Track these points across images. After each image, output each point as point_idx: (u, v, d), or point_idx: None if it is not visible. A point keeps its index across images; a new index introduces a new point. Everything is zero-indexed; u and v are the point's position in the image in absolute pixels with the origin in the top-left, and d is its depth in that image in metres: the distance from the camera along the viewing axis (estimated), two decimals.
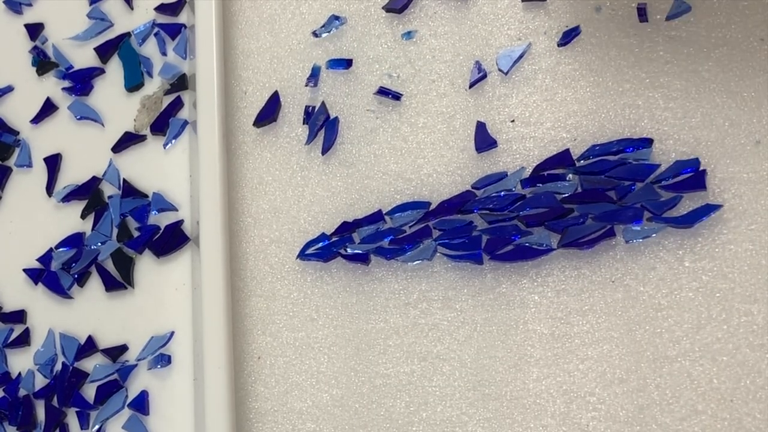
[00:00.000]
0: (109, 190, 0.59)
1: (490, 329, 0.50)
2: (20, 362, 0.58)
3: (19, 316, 0.58)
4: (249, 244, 0.55)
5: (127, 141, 0.59)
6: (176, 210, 0.57)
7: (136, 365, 0.55)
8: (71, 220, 0.59)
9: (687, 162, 0.47)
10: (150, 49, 0.61)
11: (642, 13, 0.50)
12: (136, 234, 0.57)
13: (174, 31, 0.60)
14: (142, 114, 0.59)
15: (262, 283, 0.54)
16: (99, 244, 0.58)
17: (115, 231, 0.58)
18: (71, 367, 0.56)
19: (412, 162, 0.53)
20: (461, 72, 0.53)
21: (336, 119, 0.55)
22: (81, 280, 0.58)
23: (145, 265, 0.57)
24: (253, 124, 0.56)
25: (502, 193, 0.50)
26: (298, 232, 0.54)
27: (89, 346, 0.56)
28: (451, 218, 0.51)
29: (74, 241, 0.58)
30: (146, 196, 0.58)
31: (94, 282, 0.58)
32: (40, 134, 0.62)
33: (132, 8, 0.62)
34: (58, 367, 0.57)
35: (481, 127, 0.52)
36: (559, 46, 0.51)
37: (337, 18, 0.56)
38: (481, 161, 0.52)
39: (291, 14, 0.57)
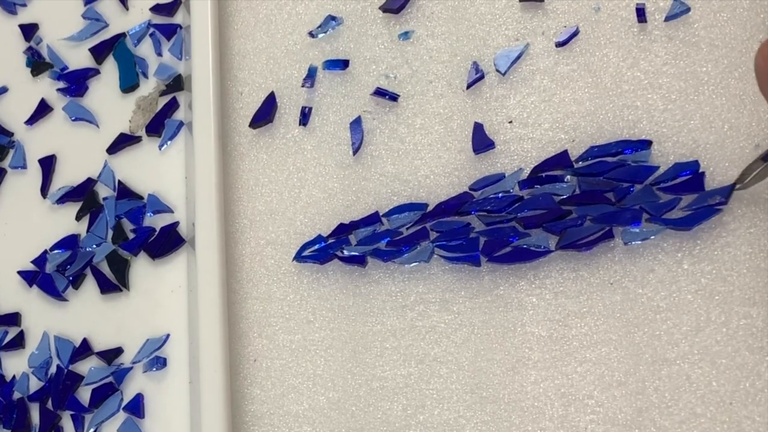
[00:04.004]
0: (104, 191, 0.58)
1: (488, 332, 0.49)
2: (15, 365, 0.58)
3: (13, 318, 0.58)
4: (245, 246, 0.55)
5: (122, 142, 0.59)
6: (172, 212, 0.57)
7: (131, 368, 0.55)
8: (66, 221, 0.59)
9: (686, 164, 0.47)
10: (145, 49, 0.60)
11: (641, 14, 0.50)
12: (131, 236, 0.57)
13: (169, 31, 0.60)
14: (137, 115, 0.59)
15: (258, 285, 0.54)
16: (94, 246, 0.57)
17: (110, 233, 0.57)
18: (66, 370, 0.56)
19: (410, 163, 0.53)
20: (459, 72, 0.53)
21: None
22: (76, 282, 0.57)
23: (141, 267, 0.56)
24: (249, 125, 0.56)
25: (500, 194, 0.50)
26: (295, 234, 0.54)
27: (84, 349, 0.56)
28: (449, 220, 0.51)
29: (69, 243, 0.58)
30: (141, 197, 0.57)
31: (89, 284, 0.57)
32: (35, 135, 0.61)
33: (127, 9, 0.61)
34: (53, 369, 0.57)
35: (478, 128, 0.51)
36: (557, 46, 0.51)
37: (333, 18, 0.55)
38: (479, 162, 0.51)
39: (287, 14, 0.57)
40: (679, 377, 0.46)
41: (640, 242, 0.47)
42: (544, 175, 0.49)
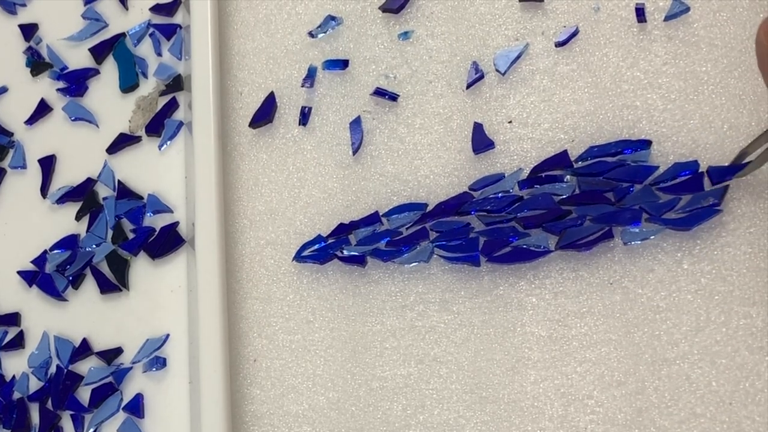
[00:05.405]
0: (103, 191, 0.58)
1: (488, 332, 0.49)
2: (14, 365, 0.58)
3: (13, 318, 0.58)
4: (245, 246, 0.55)
5: (122, 142, 0.59)
6: (171, 212, 0.57)
7: (131, 368, 0.55)
8: (66, 221, 0.59)
9: (686, 164, 0.47)
10: (145, 49, 0.60)
11: (640, 14, 0.49)
12: (131, 236, 0.57)
13: (169, 31, 0.60)
14: (137, 115, 0.59)
15: (257, 285, 0.54)
16: (94, 246, 0.57)
17: (110, 233, 0.57)
18: (66, 370, 0.56)
19: (409, 163, 0.53)
20: (458, 72, 0.53)
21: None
22: (75, 282, 0.57)
23: (140, 267, 0.56)
24: (249, 125, 0.56)
25: (500, 194, 0.50)
26: (294, 234, 0.54)
27: (84, 349, 0.56)
28: (448, 220, 0.51)
29: (69, 242, 0.58)
30: (141, 197, 0.57)
31: (89, 284, 0.57)
32: (35, 135, 0.61)
33: (127, 9, 0.61)
34: (53, 369, 0.56)
35: (478, 128, 0.51)
36: (557, 46, 0.51)
37: (333, 18, 0.55)
38: (479, 162, 0.51)
39: (287, 14, 0.57)
40: (678, 377, 0.46)
41: (639, 242, 0.47)
42: (543, 175, 0.49)
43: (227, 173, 0.56)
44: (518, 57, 0.51)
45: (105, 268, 0.57)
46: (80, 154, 0.60)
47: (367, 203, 0.53)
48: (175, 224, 0.56)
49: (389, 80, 0.54)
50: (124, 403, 0.54)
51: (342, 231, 0.53)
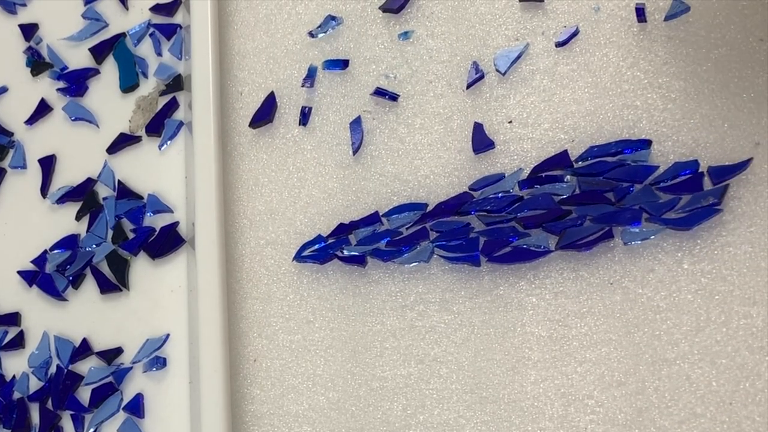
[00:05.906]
0: (103, 191, 0.58)
1: (488, 332, 0.49)
2: (14, 365, 0.58)
3: (13, 318, 0.58)
4: (245, 246, 0.55)
5: (122, 142, 0.59)
6: (171, 212, 0.57)
7: (131, 368, 0.55)
8: (66, 221, 0.59)
9: (686, 164, 0.47)
10: (145, 49, 0.60)
11: (641, 14, 0.49)
12: (131, 236, 0.57)
13: (169, 31, 0.60)
14: (137, 115, 0.59)
15: (258, 285, 0.54)
16: (94, 245, 0.57)
17: (110, 233, 0.57)
18: (66, 370, 0.56)
19: (409, 163, 0.53)
20: (458, 72, 0.53)
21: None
22: (76, 282, 0.57)
23: (141, 267, 0.56)
24: (249, 125, 0.56)
25: (500, 194, 0.50)
26: (294, 234, 0.54)
27: (84, 349, 0.56)
28: (449, 220, 0.51)
29: (69, 242, 0.58)
30: (141, 197, 0.57)
31: (89, 284, 0.57)
32: (35, 135, 0.61)
33: (127, 8, 0.61)
34: (53, 369, 0.56)
35: (478, 128, 0.51)
36: (557, 46, 0.51)
37: (333, 18, 0.55)
38: (479, 162, 0.51)
39: (287, 14, 0.57)
40: (679, 377, 0.46)
41: (639, 242, 0.47)
42: (543, 175, 0.49)
43: (227, 173, 0.56)
44: (518, 57, 0.51)
45: (105, 268, 0.57)
46: (80, 154, 0.60)
47: (367, 203, 0.53)
48: (175, 224, 0.56)
49: (389, 80, 0.54)
50: (124, 403, 0.54)
51: (342, 231, 0.53)
